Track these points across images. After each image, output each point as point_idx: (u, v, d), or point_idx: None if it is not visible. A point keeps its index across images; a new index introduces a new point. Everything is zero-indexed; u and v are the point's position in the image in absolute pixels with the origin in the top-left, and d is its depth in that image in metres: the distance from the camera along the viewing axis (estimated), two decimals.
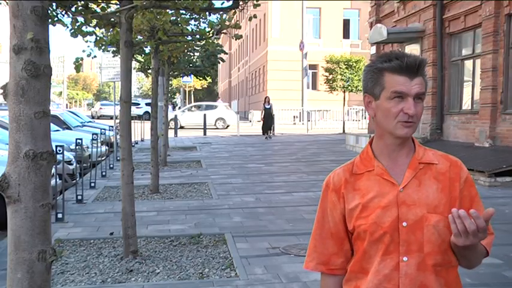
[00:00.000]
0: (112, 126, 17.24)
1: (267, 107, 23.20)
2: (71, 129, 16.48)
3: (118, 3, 6.09)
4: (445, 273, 1.67)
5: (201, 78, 30.02)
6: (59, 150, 7.31)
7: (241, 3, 7.40)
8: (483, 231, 1.51)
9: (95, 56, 8.82)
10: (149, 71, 15.85)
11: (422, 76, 1.67)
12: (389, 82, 1.66)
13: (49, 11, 2.64)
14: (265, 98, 23.75)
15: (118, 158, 13.13)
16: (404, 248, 1.65)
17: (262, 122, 23.37)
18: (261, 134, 23.26)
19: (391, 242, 1.66)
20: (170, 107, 26.33)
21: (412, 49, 15.95)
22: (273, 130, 23.89)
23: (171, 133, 21.48)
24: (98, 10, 6.12)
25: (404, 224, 1.65)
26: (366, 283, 1.70)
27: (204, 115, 26.48)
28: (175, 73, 19.82)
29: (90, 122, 22.40)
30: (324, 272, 1.83)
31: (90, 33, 6.69)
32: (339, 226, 1.78)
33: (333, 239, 1.79)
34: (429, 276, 1.65)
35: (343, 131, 24.76)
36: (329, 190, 1.80)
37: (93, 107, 46.94)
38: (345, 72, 24.33)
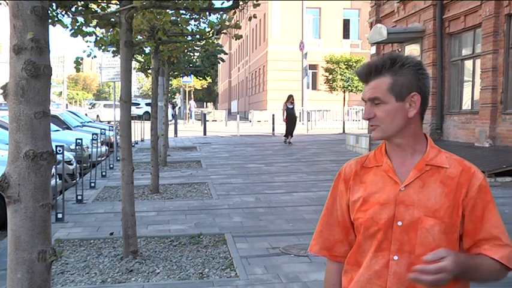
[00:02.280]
0: (112, 126, 17.25)
1: (290, 106, 19.58)
2: (71, 129, 16.48)
3: (118, 3, 6.09)
4: None
5: (201, 78, 30.05)
6: (59, 150, 7.31)
7: (241, 3, 7.40)
8: (439, 272, 1.48)
9: (94, 56, 8.82)
10: (149, 71, 15.85)
11: (379, 78, 1.66)
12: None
13: (49, 11, 2.64)
14: (289, 97, 19.73)
15: (118, 158, 13.14)
16: (396, 247, 1.66)
17: (285, 124, 19.68)
18: (284, 136, 19.92)
19: (384, 240, 1.67)
20: (170, 106, 26.34)
21: (412, 49, 15.97)
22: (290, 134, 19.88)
23: (171, 133, 21.49)
24: (98, 10, 6.12)
25: (399, 223, 1.66)
26: (357, 276, 1.73)
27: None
28: (175, 73, 19.82)
29: (90, 122, 22.41)
30: (328, 258, 1.88)
31: (90, 34, 6.69)
32: (345, 216, 1.81)
33: (339, 227, 1.83)
34: None
35: (343, 131, 24.77)
36: (340, 179, 1.84)
37: (94, 106, 46.45)
38: (345, 72, 24.31)
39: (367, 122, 1.72)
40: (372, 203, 1.70)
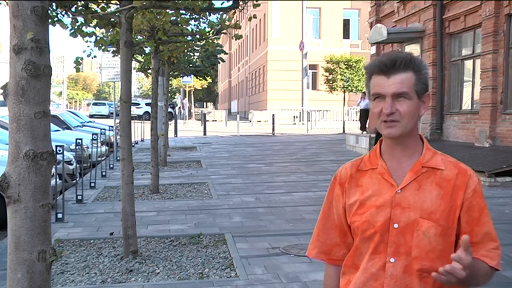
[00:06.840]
0: (112, 126, 17.25)
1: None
2: (71, 129, 16.48)
3: (118, 3, 6.09)
4: (432, 281, 1.62)
5: (201, 78, 30.07)
6: (59, 150, 7.31)
7: (241, 3, 7.40)
8: (469, 267, 1.48)
9: (94, 56, 8.81)
10: (149, 71, 15.84)
11: (405, 73, 1.63)
12: (372, 83, 1.68)
13: (49, 11, 2.64)
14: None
15: (118, 158, 13.14)
16: (392, 249, 1.66)
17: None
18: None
19: (381, 242, 1.67)
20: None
21: (412, 49, 15.95)
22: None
23: (171, 133, 21.47)
24: (98, 10, 6.12)
25: (395, 225, 1.66)
26: (354, 279, 1.74)
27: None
28: (175, 73, 19.83)
29: (90, 122, 22.41)
30: (326, 262, 1.88)
31: (90, 34, 6.68)
32: (342, 219, 1.81)
33: (337, 231, 1.83)
34: (414, 281, 1.64)
35: (343, 131, 24.77)
36: (336, 183, 1.83)
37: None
38: (345, 72, 24.31)
39: (381, 118, 1.64)
40: (368, 206, 1.70)
